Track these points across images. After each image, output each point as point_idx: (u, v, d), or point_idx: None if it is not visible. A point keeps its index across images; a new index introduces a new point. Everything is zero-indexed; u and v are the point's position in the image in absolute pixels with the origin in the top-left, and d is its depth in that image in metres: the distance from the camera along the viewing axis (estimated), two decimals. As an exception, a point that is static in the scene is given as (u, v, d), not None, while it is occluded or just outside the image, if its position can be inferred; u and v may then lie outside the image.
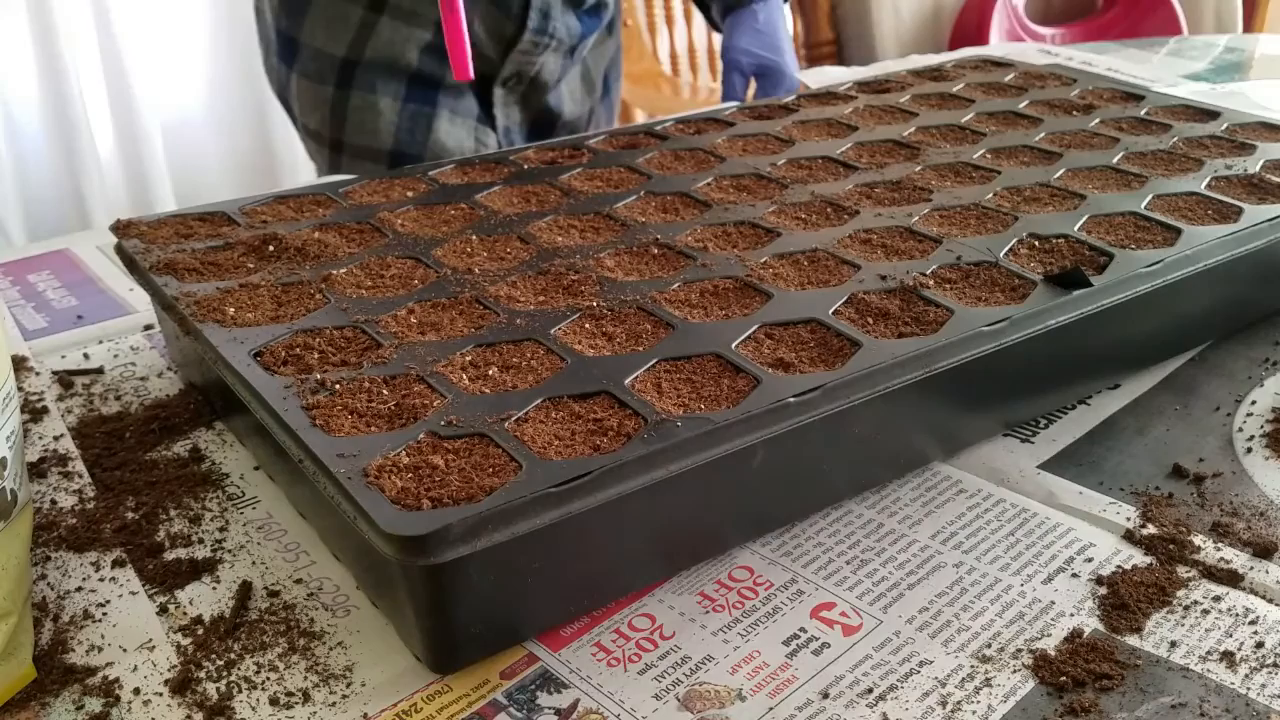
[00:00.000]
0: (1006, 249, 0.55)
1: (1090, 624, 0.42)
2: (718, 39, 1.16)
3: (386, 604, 0.42)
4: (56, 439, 0.54)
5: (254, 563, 0.46)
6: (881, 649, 0.41)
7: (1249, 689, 0.38)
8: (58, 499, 0.50)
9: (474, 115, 1.02)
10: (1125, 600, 0.42)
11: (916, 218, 0.59)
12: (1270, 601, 0.43)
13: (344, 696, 0.39)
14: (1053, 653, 0.40)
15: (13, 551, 0.40)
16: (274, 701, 0.39)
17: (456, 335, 0.48)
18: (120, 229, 0.59)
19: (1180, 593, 0.43)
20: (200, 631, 0.42)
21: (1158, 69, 1.16)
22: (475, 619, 0.39)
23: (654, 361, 0.46)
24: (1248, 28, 2.06)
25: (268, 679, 0.40)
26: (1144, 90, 0.83)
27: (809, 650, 0.41)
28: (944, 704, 0.38)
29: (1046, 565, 0.45)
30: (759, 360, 0.46)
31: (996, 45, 1.74)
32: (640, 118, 1.84)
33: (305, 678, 0.40)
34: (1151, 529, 0.46)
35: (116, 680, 0.40)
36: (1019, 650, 0.40)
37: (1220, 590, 0.43)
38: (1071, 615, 0.42)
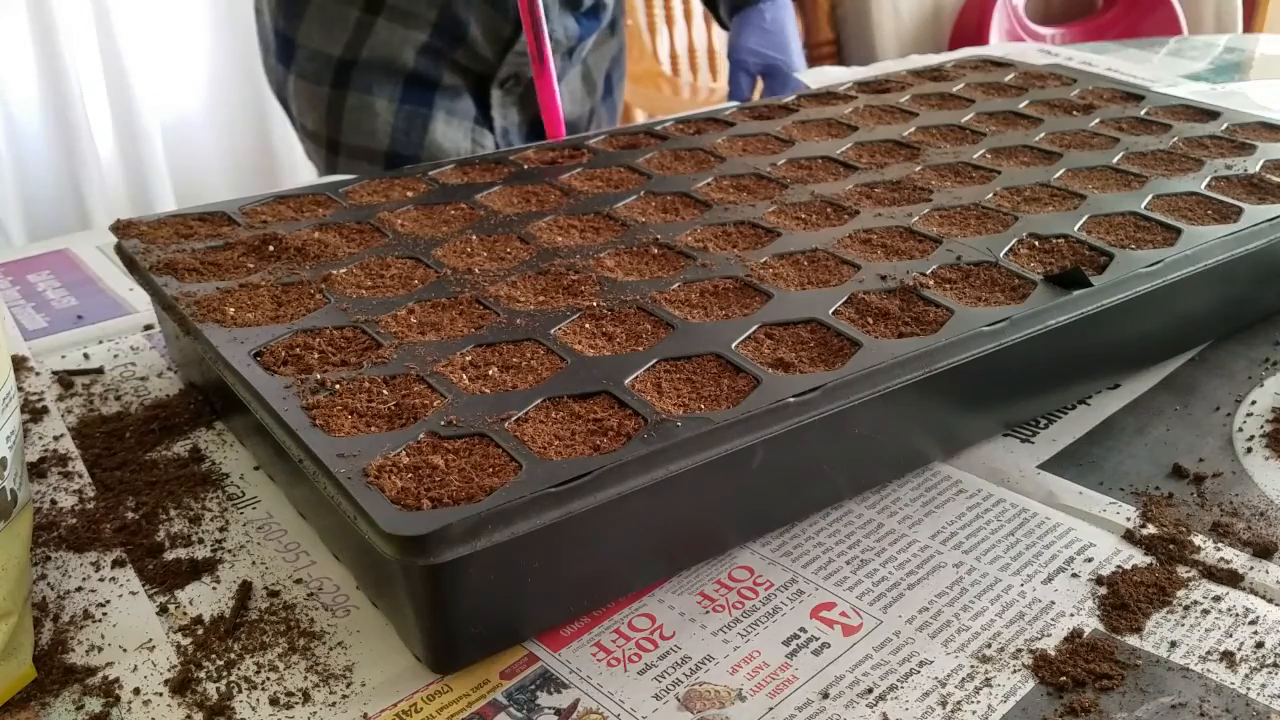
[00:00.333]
0: (1006, 249, 0.55)
1: (1090, 624, 0.42)
2: (718, 39, 1.16)
3: (386, 604, 0.42)
4: (56, 439, 0.54)
5: (254, 563, 0.46)
6: (881, 649, 0.41)
7: (1249, 689, 0.38)
8: (58, 499, 0.50)
9: (471, 117, 1.02)
10: (1125, 600, 0.42)
11: (916, 218, 0.59)
12: (1270, 601, 0.43)
13: (344, 696, 0.39)
14: (1053, 653, 0.40)
15: (13, 551, 0.40)
16: (274, 701, 0.39)
17: (456, 335, 0.48)
18: (120, 229, 0.59)
19: (1180, 593, 0.43)
20: (200, 631, 0.42)
21: (1158, 69, 1.16)
22: (475, 619, 0.39)
23: (654, 361, 0.46)
24: (1248, 28, 2.06)
25: (268, 679, 0.40)
26: (1144, 90, 0.83)
27: (809, 650, 0.41)
28: (944, 704, 0.38)
29: (1046, 565, 0.45)
30: (759, 360, 0.46)
31: (996, 45, 1.74)
32: (640, 118, 1.84)
33: (305, 678, 0.40)
34: (1151, 529, 0.46)
35: (116, 680, 0.40)
36: (1019, 650, 0.40)
37: (1220, 590, 0.43)
38: (1071, 615, 0.42)
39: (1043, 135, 0.73)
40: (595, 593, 0.42)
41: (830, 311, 0.49)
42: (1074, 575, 0.44)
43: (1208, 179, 0.64)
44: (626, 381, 0.44)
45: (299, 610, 0.43)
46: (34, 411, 0.56)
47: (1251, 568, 0.44)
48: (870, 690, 0.39)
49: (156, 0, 1.81)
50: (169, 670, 0.40)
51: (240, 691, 0.39)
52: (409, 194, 0.65)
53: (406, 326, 0.49)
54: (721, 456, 0.41)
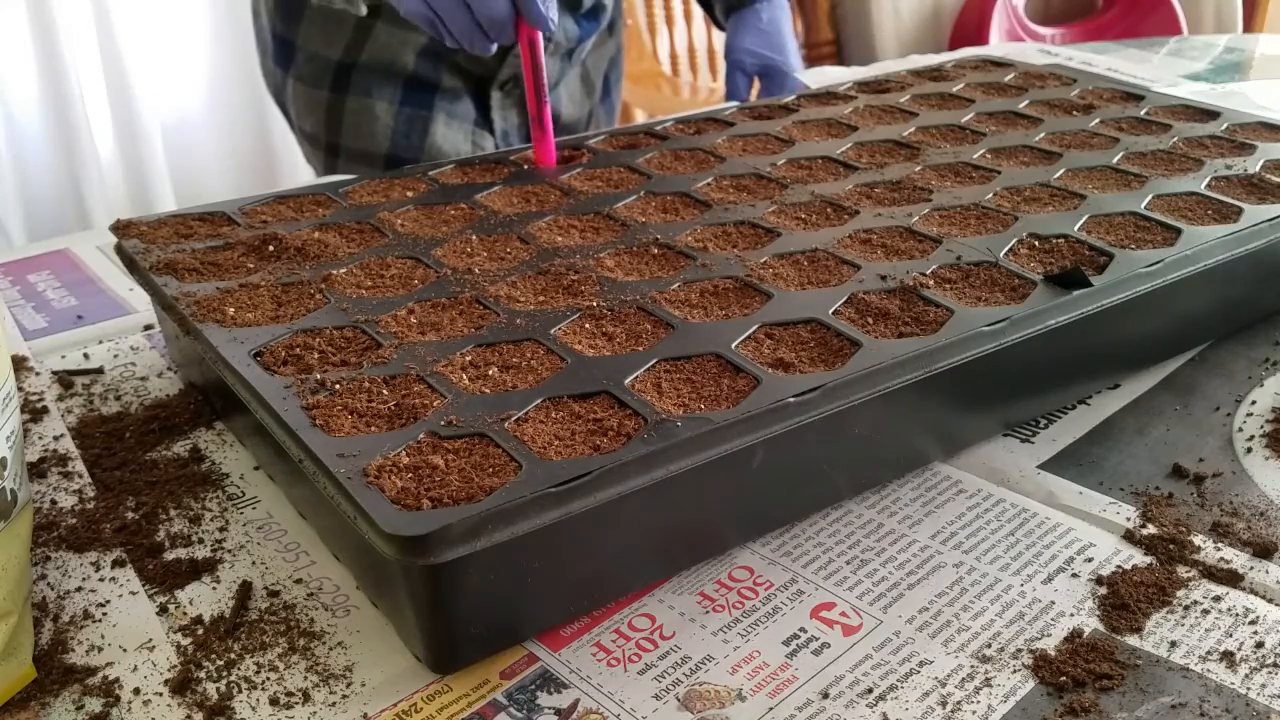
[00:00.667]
0: (1006, 249, 0.55)
1: (1090, 624, 0.42)
2: (718, 39, 1.16)
3: (386, 604, 0.42)
4: (56, 439, 0.54)
5: (254, 563, 0.46)
6: (881, 649, 0.41)
7: (1249, 689, 0.38)
8: (58, 499, 0.50)
9: (471, 119, 1.02)
10: (1125, 600, 0.42)
11: (916, 218, 0.59)
12: (1270, 601, 0.43)
13: (344, 696, 0.39)
14: (1053, 653, 0.40)
15: (13, 551, 0.40)
16: (274, 701, 0.39)
17: (456, 335, 0.48)
18: (120, 229, 0.59)
19: (1180, 593, 0.43)
20: (200, 631, 0.42)
21: (1158, 69, 1.16)
22: (475, 619, 0.39)
23: (654, 361, 0.46)
24: (1248, 28, 2.06)
25: (268, 679, 0.40)
26: (1144, 90, 0.83)
27: (809, 650, 0.41)
28: (944, 704, 0.38)
29: (1046, 565, 0.45)
30: (759, 360, 0.46)
31: (996, 45, 1.74)
32: (640, 118, 1.84)
33: (305, 678, 0.40)
34: (1151, 529, 0.46)
35: (116, 680, 0.40)
36: (1019, 650, 0.40)
37: (1220, 590, 0.43)
38: (1071, 615, 0.42)
39: (1043, 135, 0.73)
40: (595, 593, 0.42)
41: (830, 311, 0.49)
42: (1074, 575, 0.44)
43: (1208, 179, 0.64)
44: (626, 381, 0.44)
45: (299, 610, 0.43)
46: (34, 411, 0.56)
47: (1251, 568, 0.44)
48: (870, 690, 0.39)
49: (156, 0, 1.81)
50: (169, 670, 0.40)
51: (240, 691, 0.39)
52: (409, 194, 0.65)
53: (406, 326, 0.49)
54: (721, 456, 0.41)
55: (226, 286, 0.53)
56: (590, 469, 0.38)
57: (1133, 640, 0.41)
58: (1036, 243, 0.56)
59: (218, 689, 0.39)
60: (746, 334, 0.48)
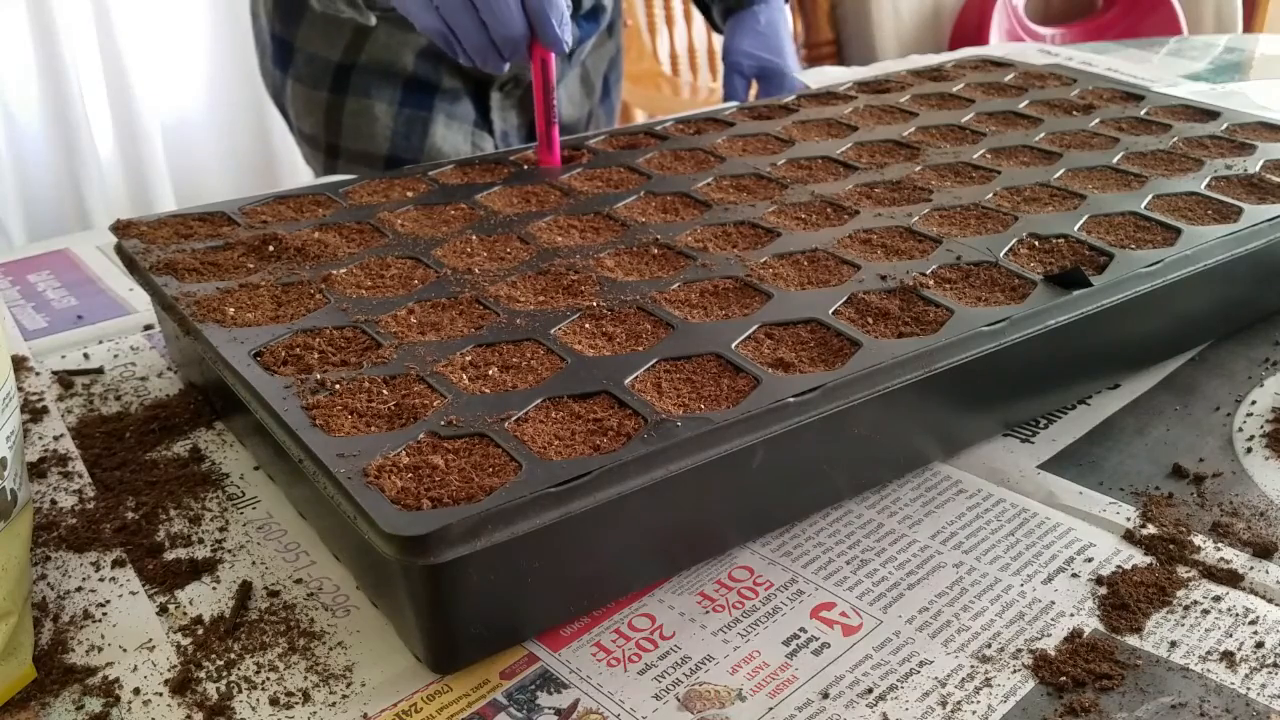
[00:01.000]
0: (1006, 249, 0.55)
1: (1090, 624, 0.42)
2: (718, 39, 1.15)
3: (386, 604, 0.42)
4: (56, 439, 0.54)
5: (254, 563, 0.46)
6: (881, 649, 0.41)
7: (1249, 689, 0.38)
8: (58, 499, 0.50)
9: (471, 120, 1.02)
10: (1125, 600, 0.42)
11: (916, 218, 0.59)
12: (1270, 601, 0.43)
13: (344, 696, 0.39)
14: (1053, 653, 0.40)
15: (13, 551, 0.40)
16: (274, 701, 0.39)
17: (456, 335, 0.48)
18: (120, 229, 0.59)
19: (1180, 593, 0.43)
20: (200, 631, 0.42)
21: (1158, 69, 1.16)
22: (475, 619, 0.39)
23: (654, 361, 0.46)
24: (1248, 28, 2.06)
25: (268, 679, 0.40)
26: (1144, 90, 0.83)
27: (809, 650, 0.41)
28: (944, 704, 0.38)
29: (1046, 565, 0.45)
30: (759, 360, 0.46)
31: (996, 45, 1.74)
32: (640, 118, 1.84)
33: (305, 678, 0.40)
34: (1151, 529, 0.46)
35: (116, 680, 0.40)
36: (1019, 650, 0.40)
37: (1220, 590, 0.43)
38: (1071, 615, 0.42)
39: (1043, 135, 0.73)
40: (595, 593, 0.42)
41: (830, 311, 0.49)
42: (1074, 575, 0.44)
43: (1208, 179, 0.64)
44: (626, 381, 0.44)
45: (299, 610, 0.43)
46: (34, 411, 0.56)
47: (1251, 568, 0.44)
48: (870, 690, 0.39)
49: (156, 0, 1.81)
50: (169, 670, 0.40)
51: (240, 691, 0.39)
52: (409, 194, 0.65)
53: (406, 326, 0.49)
54: (721, 456, 0.41)
55: (226, 286, 0.53)
56: (590, 469, 0.38)
57: (1133, 640, 0.41)
58: (1036, 243, 0.56)
59: (218, 689, 0.39)
60: (746, 334, 0.48)
